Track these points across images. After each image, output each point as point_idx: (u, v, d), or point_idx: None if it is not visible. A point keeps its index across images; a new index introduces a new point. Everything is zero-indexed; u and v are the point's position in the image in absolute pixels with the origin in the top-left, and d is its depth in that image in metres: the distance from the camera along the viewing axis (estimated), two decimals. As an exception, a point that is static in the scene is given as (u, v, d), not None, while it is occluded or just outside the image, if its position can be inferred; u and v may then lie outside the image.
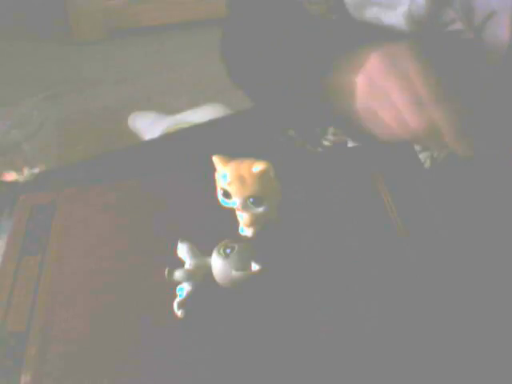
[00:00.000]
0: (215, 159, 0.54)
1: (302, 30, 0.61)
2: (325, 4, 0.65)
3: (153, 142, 1.05)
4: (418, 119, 0.53)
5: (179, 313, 0.52)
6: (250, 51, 0.70)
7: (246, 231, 0.58)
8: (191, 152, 0.72)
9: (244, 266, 0.51)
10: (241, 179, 0.52)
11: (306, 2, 0.66)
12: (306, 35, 0.58)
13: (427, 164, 0.69)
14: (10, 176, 1.52)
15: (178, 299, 0.53)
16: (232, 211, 0.56)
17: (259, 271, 0.51)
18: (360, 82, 0.56)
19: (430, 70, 0.53)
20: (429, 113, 0.52)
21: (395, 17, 0.63)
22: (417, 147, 0.68)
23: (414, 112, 0.53)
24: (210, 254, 0.53)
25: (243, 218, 0.57)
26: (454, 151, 0.54)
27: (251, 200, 0.53)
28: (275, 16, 0.69)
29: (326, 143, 0.73)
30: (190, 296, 0.52)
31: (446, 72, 0.55)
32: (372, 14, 0.64)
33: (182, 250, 0.54)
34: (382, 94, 0.55)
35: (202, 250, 0.54)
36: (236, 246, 0.52)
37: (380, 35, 0.57)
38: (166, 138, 0.86)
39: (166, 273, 0.52)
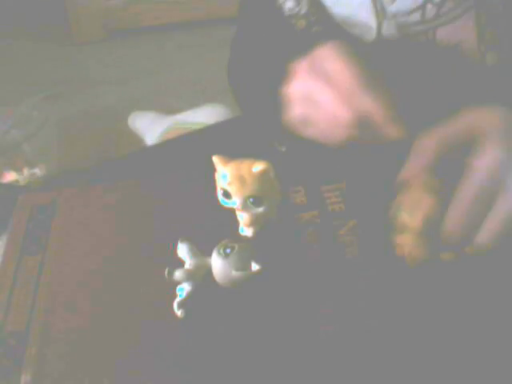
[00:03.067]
0: (215, 159, 0.54)
1: (289, 45, 0.62)
2: (304, 19, 0.67)
3: (153, 147, 1.05)
4: (348, 112, 0.54)
5: (179, 313, 0.52)
6: (248, 70, 0.72)
7: (246, 231, 0.58)
8: (191, 155, 0.72)
9: (244, 266, 0.51)
10: (241, 179, 0.52)
11: (291, 17, 0.67)
12: (292, 50, 0.60)
13: None
14: (10, 176, 1.52)
15: (177, 299, 0.53)
16: (232, 211, 0.56)
17: (259, 271, 0.51)
18: (289, 94, 0.58)
19: (351, 63, 0.54)
20: (356, 103, 0.53)
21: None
22: None
23: (343, 107, 0.54)
24: (210, 254, 0.53)
25: (243, 218, 0.57)
26: (388, 137, 0.54)
27: (251, 200, 0.53)
28: (270, 34, 0.71)
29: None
30: (189, 296, 0.52)
31: (373, 63, 0.56)
32: (357, 33, 0.67)
33: (182, 250, 0.54)
34: (310, 99, 0.56)
35: (202, 250, 0.54)
36: (236, 246, 0.52)
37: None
38: (167, 143, 0.87)
39: (165, 273, 0.52)
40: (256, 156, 0.54)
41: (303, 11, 0.67)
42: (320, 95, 0.55)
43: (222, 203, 0.55)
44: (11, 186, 1.48)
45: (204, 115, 1.65)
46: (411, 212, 0.53)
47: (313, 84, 0.55)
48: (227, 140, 0.74)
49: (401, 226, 0.53)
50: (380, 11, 0.63)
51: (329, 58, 0.55)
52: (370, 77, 0.54)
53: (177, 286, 0.53)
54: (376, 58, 0.64)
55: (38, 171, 1.55)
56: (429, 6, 0.61)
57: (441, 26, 0.62)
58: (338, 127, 0.55)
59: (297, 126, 0.58)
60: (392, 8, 0.63)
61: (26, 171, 1.54)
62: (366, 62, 0.55)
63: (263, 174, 0.53)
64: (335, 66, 0.54)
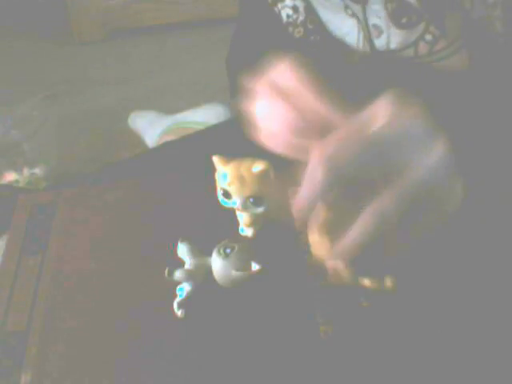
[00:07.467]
0: (215, 159, 0.54)
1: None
2: (302, 27, 0.67)
3: (153, 148, 1.05)
4: (312, 124, 0.53)
5: (179, 313, 0.52)
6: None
7: (246, 231, 0.58)
8: (191, 155, 0.72)
9: (244, 266, 0.51)
10: (241, 179, 0.52)
11: (289, 25, 0.67)
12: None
13: None
14: (10, 176, 1.52)
15: (177, 299, 0.53)
16: (232, 211, 0.56)
17: (259, 271, 0.51)
18: (250, 114, 0.57)
19: (308, 79, 0.53)
20: (317, 115, 0.53)
21: None
22: None
23: (307, 120, 0.53)
24: (210, 254, 0.53)
25: (243, 218, 0.57)
26: None
27: (251, 200, 0.53)
28: (267, 43, 0.71)
29: None
30: (189, 296, 0.52)
31: (331, 73, 0.55)
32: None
33: (182, 250, 0.54)
34: (274, 117, 0.55)
35: (202, 250, 0.54)
36: (236, 246, 0.52)
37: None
38: (167, 144, 0.86)
39: (165, 273, 0.52)
40: (256, 156, 0.54)
41: (301, 19, 0.67)
42: (283, 113, 0.54)
43: (222, 203, 0.55)
44: (11, 186, 1.48)
45: (204, 115, 1.65)
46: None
47: (274, 103, 0.55)
48: (227, 140, 0.74)
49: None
50: (369, 44, 0.63)
51: (285, 75, 0.54)
52: (329, 91, 0.53)
53: (177, 286, 0.53)
54: (365, 74, 0.64)
55: (38, 171, 1.55)
56: (421, 44, 0.61)
57: (435, 61, 0.62)
58: (309, 141, 0.55)
59: (265, 145, 0.59)
60: (382, 44, 0.62)
61: (26, 171, 1.54)
62: (325, 75, 0.55)
63: (263, 174, 0.53)
64: (292, 83, 0.54)
